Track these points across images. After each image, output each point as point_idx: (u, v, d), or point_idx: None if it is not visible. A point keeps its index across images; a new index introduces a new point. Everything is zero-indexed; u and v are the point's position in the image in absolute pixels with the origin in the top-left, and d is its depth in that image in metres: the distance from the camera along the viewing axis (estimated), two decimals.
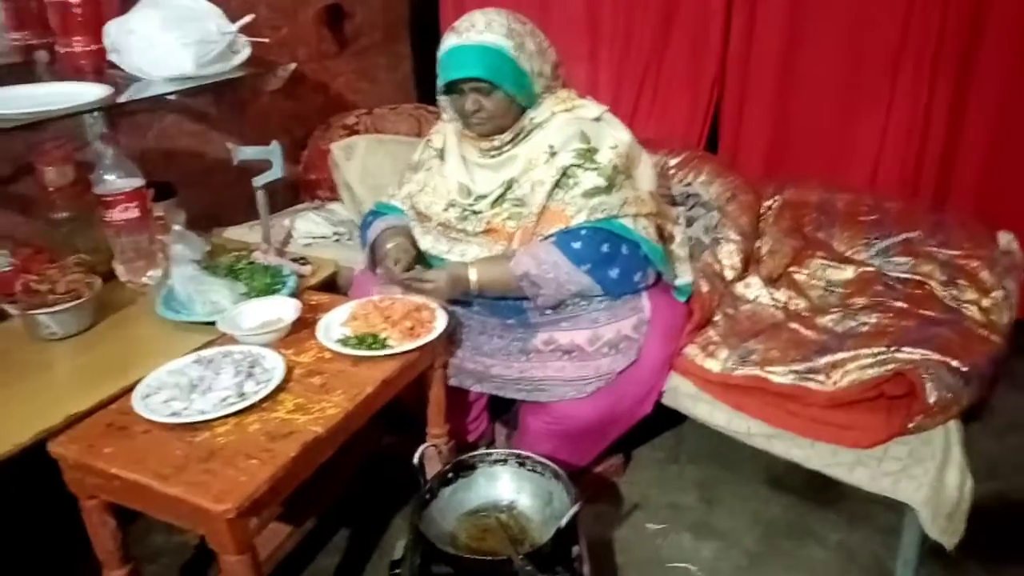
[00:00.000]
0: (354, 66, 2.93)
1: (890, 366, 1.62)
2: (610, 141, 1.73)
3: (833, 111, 2.44)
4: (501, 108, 1.70)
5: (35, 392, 1.49)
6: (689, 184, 2.35)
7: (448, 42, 1.70)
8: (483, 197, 1.77)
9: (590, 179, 1.70)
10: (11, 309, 1.67)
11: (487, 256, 1.75)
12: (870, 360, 1.65)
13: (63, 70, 1.88)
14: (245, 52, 1.99)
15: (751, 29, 2.46)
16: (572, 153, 1.70)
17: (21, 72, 1.85)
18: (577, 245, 1.67)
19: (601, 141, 1.72)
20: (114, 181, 1.81)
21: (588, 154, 1.70)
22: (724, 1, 2.47)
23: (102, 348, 1.65)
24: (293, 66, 2.22)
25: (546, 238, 1.71)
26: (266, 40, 2.11)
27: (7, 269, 1.76)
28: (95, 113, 1.91)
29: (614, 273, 1.70)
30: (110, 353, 1.63)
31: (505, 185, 1.75)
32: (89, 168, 1.87)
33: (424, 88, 3.16)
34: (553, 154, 1.71)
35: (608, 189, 1.70)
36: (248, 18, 1.97)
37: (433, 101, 2.85)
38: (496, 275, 1.71)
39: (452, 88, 1.72)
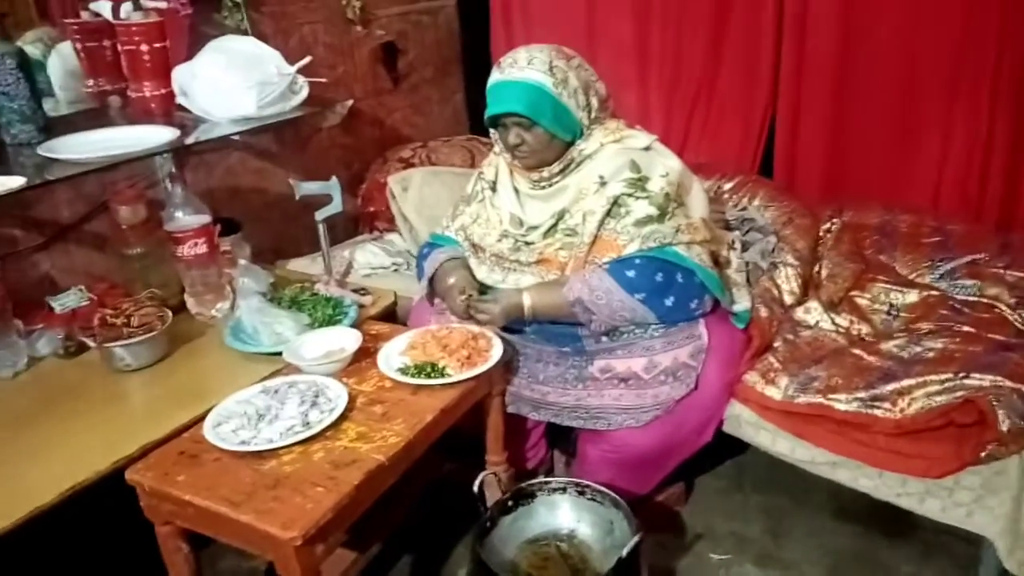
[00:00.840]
0: (408, 101, 3.00)
1: (959, 393, 1.57)
2: (661, 169, 1.74)
3: (890, 133, 2.40)
4: (542, 142, 1.72)
5: (111, 421, 1.55)
6: (744, 208, 2.34)
7: (492, 77, 1.74)
8: (535, 228, 1.80)
9: (642, 208, 1.70)
10: (89, 342, 1.74)
11: (540, 282, 1.77)
12: (938, 387, 1.61)
13: (135, 114, 1.97)
14: (303, 92, 2.05)
15: (802, 50, 2.45)
16: (623, 183, 1.71)
17: (96, 117, 1.95)
18: (631, 273, 1.68)
19: (652, 170, 1.73)
20: (183, 218, 1.89)
21: (639, 183, 1.71)
22: (774, 23, 2.46)
23: (174, 379, 1.71)
24: (350, 103, 2.29)
25: (599, 266, 1.71)
26: (323, 80, 2.18)
27: (85, 304, 1.85)
28: (165, 154, 2.00)
29: (669, 301, 1.70)
30: (182, 383, 1.68)
31: (556, 216, 1.77)
32: (160, 206, 1.95)
33: (476, 120, 3.22)
34: (603, 184, 1.72)
35: (660, 217, 1.71)
36: (306, 60, 2.04)
37: (485, 133, 2.92)
38: (549, 301, 1.72)
39: (497, 122, 1.76)
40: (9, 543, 1.26)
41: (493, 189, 1.90)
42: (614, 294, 1.67)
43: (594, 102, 1.76)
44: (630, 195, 1.71)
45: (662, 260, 1.70)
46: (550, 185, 1.79)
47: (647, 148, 1.77)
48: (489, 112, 1.74)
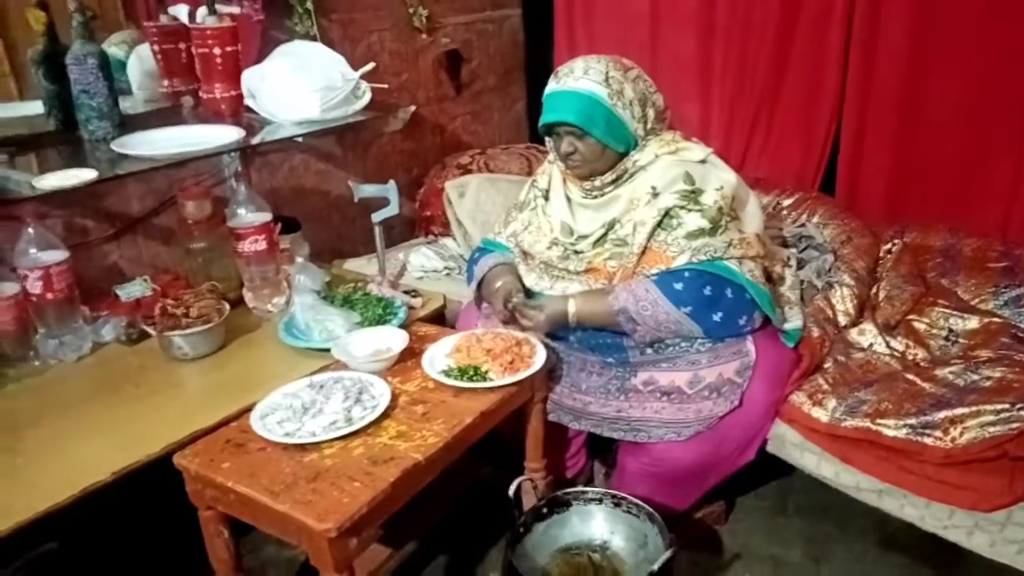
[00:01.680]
0: (470, 108, 3.05)
1: (1015, 424, 1.52)
2: (715, 183, 1.73)
3: (959, 153, 2.33)
4: (595, 153, 1.73)
5: (165, 407, 1.61)
6: (803, 226, 2.30)
7: (549, 86, 1.76)
8: (585, 237, 1.80)
9: (694, 220, 1.70)
10: (150, 330, 1.82)
11: (586, 290, 1.77)
12: (992, 417, 1.55)
13: (205, 114, 2.07)
14: (366, 97, 2.11)
15: (870, 68, 2.39)
16: (676, 195, 1.70)
17: (169, 116, 2.04)
18: (679, 286, 1.67)
19: (706, 183, 1.72)
20: (246, 215, 1.95)
21: (692, 196, 1.70)
22: (841, 43, 2.41)
23: (228, 369, 1.77)
24: (412, 109, 2.34)
25: (647, 277, 1.71)
26: (386, 86, 2.25)
27: (149, 294, 1.94)
28: (231, 153, 2.08)
29: (717, 316, 1.69)
30: (234, 374, 1.74)
31: (607, 226, 1.77)
32: (224, 203, 2.03)
33: (536, 129, 3.21)
34: (656, 195, 1.72)
35: (713, 231, 1.69)
36: (369, 66, 2.10)
37: (543, 141, 2.93)
38: (594, 308, 1.72)
39: (551, 130, 1.77)
40: (63, 518, 1.33)
41: (546, 197, 1.92)
42: (660, 306, 1.66)
43: (650, 114, 1.76)
44: (683, 207, 1.70)
45: (712, 274, 1.68)
46: (602, 195, 1.80)
47: (703, 161, 1.76)
48: (543, 120, 1.76)
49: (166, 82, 2.11)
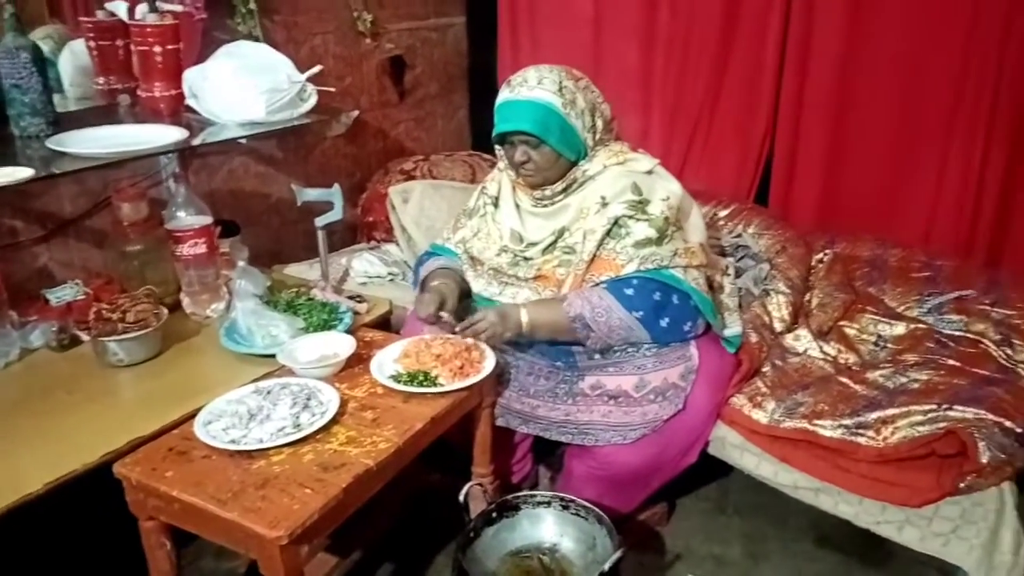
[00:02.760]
0: (413, 114, 3.04)
1: (942, 424, 1.60)
2: (662, 193, 1.77)
3: (886, 168, 2.44)
4: (548, 161, 1.75)
5: (102, 415, 1.56)
6: (739, 236, 2.37)
7: (502, 95, 1.77)
8: (534, 244, 1.82)
9: (641, 230, 1.73)
10: (83, 335, 1.75)
11: (539, 299, 1.79)
12: (921, 417, 1.63)
13: (143, 113, 2.00)
14: (312, 100, 2.09)
15: (803, 84, 2.50)
16: (624, 204, 1.73)
17: (105, 114, 1.98)
18: (629, 292, 1.70)
19: (653, 193, 1.76)
20: (184, 218, 1.90)
21: (640, 205, 1.74)
22: (776, 56, 2.51)
23: (166, 376, 1.72)
24: (356, 113, 2.33)
25: (597, 284, 1.74)
26: (332, 89, 2.22)
27: (81, 298, 1.87)
28: (170, 154, 2.02)
29: (664, 322, 1.72)
30: (174, 381, 1.70)
31: (556, 234, 1.79)
32: (162, 205, 1.97)
33: (478, 136, 3.26)
34: (605, 204, 1.75)
35: (659, 240, 1.73)
36: (316, 69, 2.07)
37: (486, 149, 2.93)
38: (548, 317, 1.72)
39: (504, 139, 1.79)
40: None
41: (495, 205, 1.93)
42: (614, 311, 1.69)
43: (599, 123, 1.79)
44: (631, 217, 1.73)
45: (659, 282, 1.72)
46: (552, 203, 1.82)
47: (649, 172, 1.79)
48: (497, 129, 1.77)
49: (101, 79, 2.03)
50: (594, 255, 1.74)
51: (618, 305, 1.69)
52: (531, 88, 1.71)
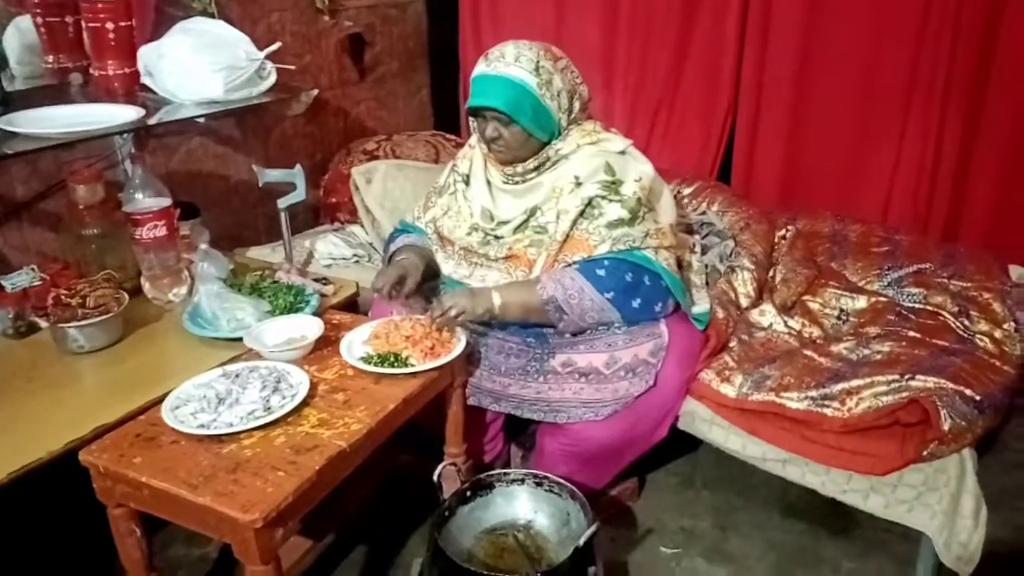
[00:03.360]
0: (374, 93, 3.00)
1: (904, 393, 1.64)
2: (634, 174, 1.77)
3: (845, 144, 2.49)
4: (518, 140, 1.73)
5: (65, 403, 1.52)
6: (704, 213, 2.39)
7: (478, 68, 1.75)
8: (505, 223, 1.81)
9: (614, 211, 1.73)
10: (41, 322, 1.70)
11: (511, 281, 1.78)
12: (884, 387, 1.67)
13: (96, 92, 1.94)
14: (271, 78, 2.04)
15: (763, 62, 2.52)
16: (597, 184, 1.73)
17: (56, 93, 1.91)
18: (601, 272, 1.70)
19: (626, 174, 1.76)
20: (143, 200, 1.85)
21: (613, 186, 1.74)
22: (737, 34, 2.53)
23: (129, 362, 1.68)
24: (315, 92, 2.28)
25: (568, 265, 1.74)
26: (291, 67, 2.17)
27: (37, 284, 1.81)
28: (126, 134, 1.96)
29: (636, 303, 1.73)
30: (137, 367, 1.66)
31: (528, 212, 1.78)
32: (118, 187, 1.92)
33: (441, 116, 3.23)
34: (578, 184, 1.74)
35: (632, 221, 1.73)
36: (275, 46, 2.03)
37: (449, 128, 2.92)
38: (520, 299, 1.72)
39: (476, 113, 1.77)
40: None
41: (466, 182, 1.91)
42: (586, 292, 1.69)
43: (576, 105, 1.79)
44: (604, 197, 1.73)
45: (630, 262, 1.72)
46: (523, 181, 1.81)
47: (622, 152, 1.79)
48: (470, 103, 1.74)
49: (51, 58, 1.96)
50: (567, 235, 1.74)
51: (590, 287, 1.69)
52: (507, 64, 1.69)
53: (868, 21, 2.33)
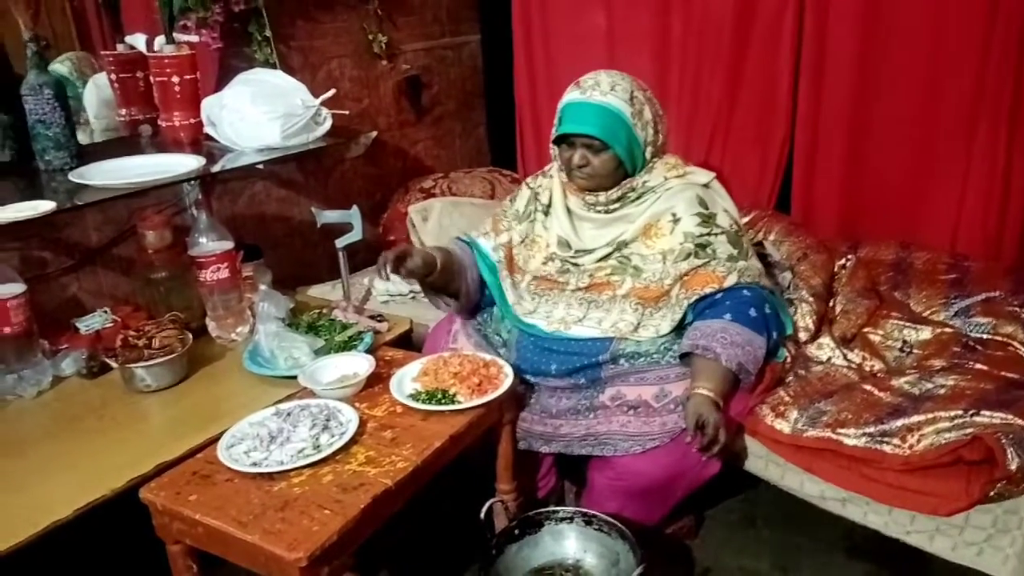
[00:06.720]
0: (431, 133, 3.07)
1: (968, 430, 1.56)
2: (721, 206, 1.80)
3: (908, 170, 2.41)
4: (607, 168, 1.75)
5: (129, 440, 1.59)
6: (760, 244, 2.35)
7: (570, 96, 1.77)
8: (587, 252, 1.82)
9: (723, 245, 1.75)
10: (111, 362, 1.79)
11: (696, 372, 1.68)
12: (947, 424, 1.60)
13: (164, 142, 2.06)
14: (327, 123, 2.12)
15: (820, 87, 2.47)
16: (695, 219, 1.75)
17: (128, 144, 2.03)
18: (753, 313, 1.70)
19: (715, 206, 1.78)
20: (207, 244, 1.94)
21: (710, 220, 1.76)
22: (791, 62, 2.49)
23: (191, 400, 1.75)
24: (374, 134, 2.36)
25: (695, 304, 1.72)
26: (346, 112, 2.25)
27: (109, 325, 1.91)
28: (192, 181, 2.07)
29: (775, 335, 1.76)
30: (198, 405, 1.73)
31: (614, 245, 1.80)
32: (185, 232, 2.01)
33: (497, 153, 3.28)
34: (677, 220, 1.76)
35: (744, 254, 1.76)
36: (329, 93, 2.11)
37: (506, 164, 2.95)
38: (717, 381, 1.65)
39: (564, 139, 1.79)
40: (27, 556, 1.30)
41: (546, 213, 1.93)
42: (755, 343, 1.70)
43: (660, 138, 1.81)
44: (707, 232, 1.75)
45: (760, 296, 1.75)
46: (607, 211, 1.82)
47: (706, 185, 1.81)
48: (563, 130, 1.76)
49: (123, 111, 2.10)
50: (691, 271, 1.74)
51: (753, 333, 1.69)
52: (604, 93, 1.72)
53: (926, 45, 2.26)
